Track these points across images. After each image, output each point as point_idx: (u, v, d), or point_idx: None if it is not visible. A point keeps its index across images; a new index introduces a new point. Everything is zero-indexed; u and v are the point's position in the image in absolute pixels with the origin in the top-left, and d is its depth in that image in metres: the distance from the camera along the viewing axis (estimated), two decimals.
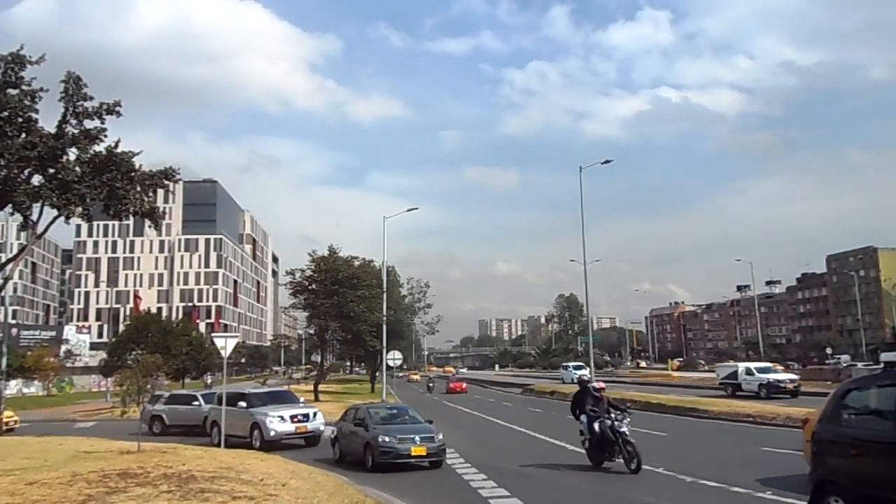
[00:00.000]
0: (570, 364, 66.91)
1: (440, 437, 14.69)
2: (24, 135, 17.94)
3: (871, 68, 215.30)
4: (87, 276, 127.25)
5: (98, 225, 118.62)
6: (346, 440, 15.90)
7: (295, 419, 18.87)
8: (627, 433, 12.83)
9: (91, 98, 18.36)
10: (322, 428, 19.33)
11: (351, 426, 15.77)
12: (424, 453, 14.10)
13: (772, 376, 35.07)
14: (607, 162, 38.97)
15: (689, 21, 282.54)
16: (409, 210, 48.10)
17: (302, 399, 22.43)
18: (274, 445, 17.99)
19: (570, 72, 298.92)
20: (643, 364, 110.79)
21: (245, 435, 18.93)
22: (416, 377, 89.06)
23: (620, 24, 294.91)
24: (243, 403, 19.65)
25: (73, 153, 18.56)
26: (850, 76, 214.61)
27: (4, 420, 28.29)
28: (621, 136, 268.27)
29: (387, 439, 14.17)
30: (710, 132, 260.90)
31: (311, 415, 19.50)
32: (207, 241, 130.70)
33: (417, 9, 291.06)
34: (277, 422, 18.55)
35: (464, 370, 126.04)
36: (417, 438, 14.26)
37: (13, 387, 52.82)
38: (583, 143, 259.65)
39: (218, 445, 17.90)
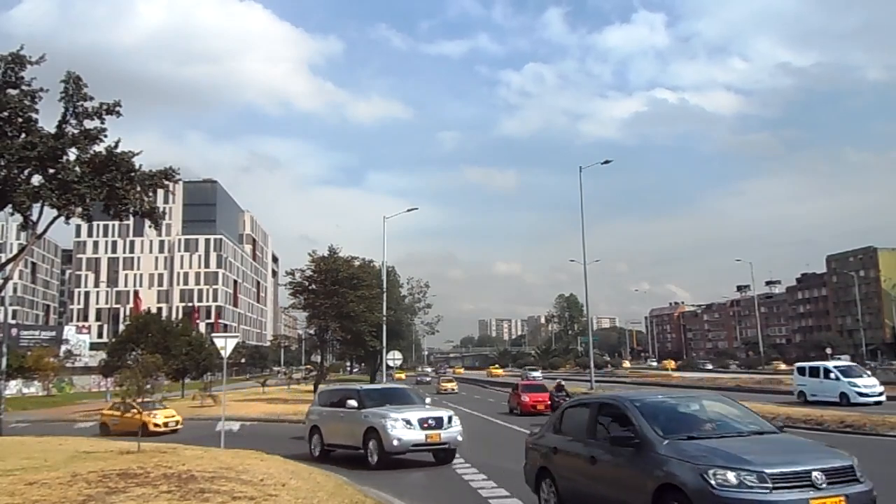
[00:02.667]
0: (833, 365, 31.31)
1: (853, 460, 6.45)
2: (24, 135, 17.98)
3: (867, 69, 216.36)
4: (87, 276, 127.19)
5: (98, 225, 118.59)
6: (587, 475, 7.59)
7: (425, 424, 14.62)
8: None
9: (91, 98, 18.44)
10: (459, 438, 15.14)
11: (592, 447, 7.54)
12: None
13: None
14: (607, 162, 39.14)
15: (684, 23, 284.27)
16: (409, 210, 48.32)
17: (428, 399, 18.00)
18: (395, 460, 14.52)
19: (567, 73, 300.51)
20: (654, 364, 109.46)
21: (356, 444, 15.22)
22: (451, 385, 56.23)
23: (616, 26, 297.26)
24: (353, 403, 15.62)
25: (73, 153, 18.62)
26: (847, 77, 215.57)
27: (164, 421, 25.14)
28: (619, 137, 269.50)
29: (730, 479, 5.97)
30: (708, 133, 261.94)
31: (446, 419, 15.04)
32: (207, 241, 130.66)
33: (414, 11, 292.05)
34: (402, 427, 14.36)
35: (537, 374, 66.94)
36: (819, 476, 6.01)
37: (13, 387, 52.77)
38: (581, 144, 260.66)
39: (318, 459, 15.63)
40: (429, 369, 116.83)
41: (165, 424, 24.85)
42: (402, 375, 48.32)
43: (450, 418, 15.11)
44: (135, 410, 24.50)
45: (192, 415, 31.01)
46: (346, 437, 15.70)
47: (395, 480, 12.58)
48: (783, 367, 77.98)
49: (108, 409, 27.42)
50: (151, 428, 24.04)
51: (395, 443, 14.24)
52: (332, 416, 16.29)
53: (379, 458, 14.36)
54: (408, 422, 14.49)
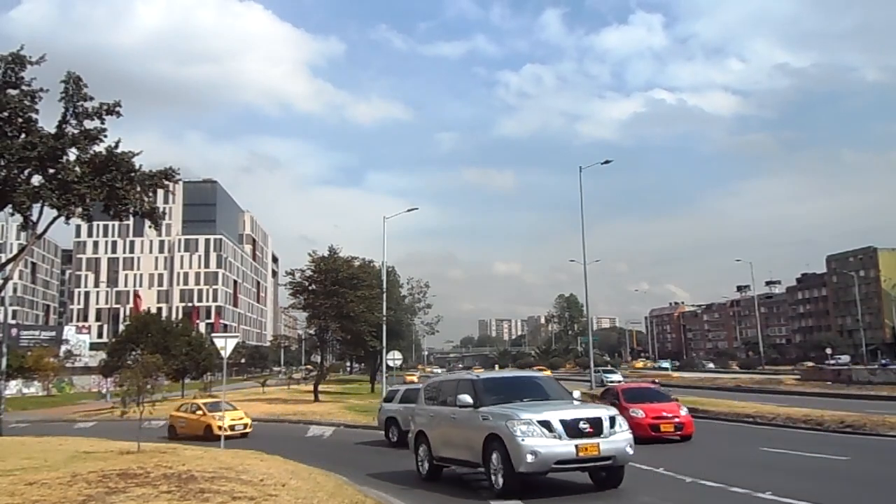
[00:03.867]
0: None
1: None
2: (24, 135, 18.03)
3: (864, 70, 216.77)
4: (87, 276, 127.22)
5: (98, 225, 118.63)
6: None
7: (573, 429, 9.73)
8: None
9: (91, 98, 18.48)
10: (629, 450, 10.13)
11: None
12: None
13: None
14: (607, 162, 39.00)
15: (681, 24, 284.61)
16: (408, 210, 48.12)
17: (576, 392, 11.96)
18: (531, 481, 10.00)
19: (565, 74, 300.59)
20: (655, 364, 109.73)
21: (474, 459, 10.68)
22: None
23: (613, 27, 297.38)
24: (467, 398, 10.90)
25: (73, 153, 18.68)
26: (845, 78, 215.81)
27: (230, 424, 21.98)
28: (618, 137, 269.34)
29: None
30: (706, 134, 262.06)
31: (606, 421, 10.08)
32: (207, 241, 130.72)
33: (413, 12, 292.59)
34: (538, 434, 9.62)
35: (616, 377, 52.28)
36: None
37: (13, 387, 52.83)
38: (579, 145, 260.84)
39: (427, 478, 12.23)
40: (439, 370, 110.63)
41: (232, 427, 21.76)
42: (415, 378, 47.26)
43: (612, 420, 10.19)
44: (201, 412, 23.22)
45: None
46: (459, 447, 11.28)
47: (395, 480, 12.58)
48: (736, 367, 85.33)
49: (176, 411, 24.99)
50: (216, 431, 21.11)
51: (530, 458, 9.48)
52: (441, 418, 11.98)
53: (506, 481, 9.82)
54: (547, 425, 9.70)
